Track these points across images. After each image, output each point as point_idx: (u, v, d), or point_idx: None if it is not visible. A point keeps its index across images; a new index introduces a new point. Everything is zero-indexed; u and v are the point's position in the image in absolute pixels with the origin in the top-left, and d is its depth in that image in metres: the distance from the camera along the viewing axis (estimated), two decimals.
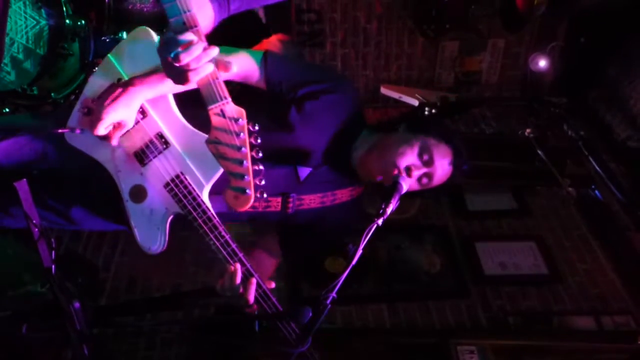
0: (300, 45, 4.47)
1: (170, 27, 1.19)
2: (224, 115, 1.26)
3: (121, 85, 1.49)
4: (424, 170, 1.71)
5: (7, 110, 2.63)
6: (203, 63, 1.20)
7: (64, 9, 2.56)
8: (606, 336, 3.09)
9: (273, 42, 3.36)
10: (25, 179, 1.34)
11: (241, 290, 1.62)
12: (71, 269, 3.02)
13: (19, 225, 1.80)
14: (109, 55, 1.61)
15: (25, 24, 2.47)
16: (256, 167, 1.30)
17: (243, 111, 1.27)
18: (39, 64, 2.54)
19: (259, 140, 1.29)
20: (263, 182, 1.32)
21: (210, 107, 1.27)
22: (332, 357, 2.78)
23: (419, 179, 1.72)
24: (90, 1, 2.82)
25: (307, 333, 1.43)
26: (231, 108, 1.26)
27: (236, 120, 1.26)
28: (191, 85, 1.27)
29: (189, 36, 1.18)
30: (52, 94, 2.68)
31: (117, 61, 1.58)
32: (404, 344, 3.02)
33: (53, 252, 1.32)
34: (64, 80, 2.73)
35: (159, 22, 2.75)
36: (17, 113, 2.66)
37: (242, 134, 1.27)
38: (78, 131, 1.55)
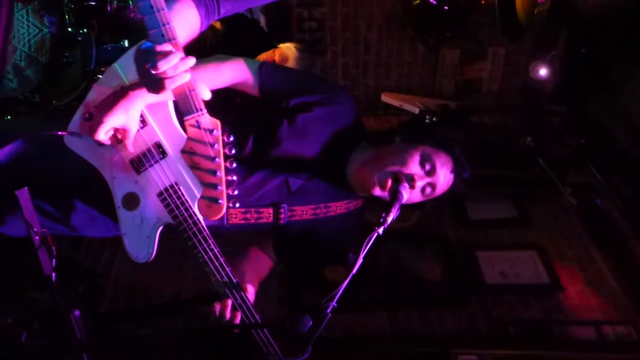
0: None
1: (149, 38, 1.23)
2: (199, 127, 1.31)
3: (121, 90, 1.50)
4: (428, 180, 1.69)
5: (9, 117, 2.65)
6: (180, 71, 1.23)
7: (67, 17, 2.58)
8: (607, 346, 3.07)
9: (287, 48, 3.37)
10: (26, 188, 1.34)
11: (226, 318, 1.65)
12: (71, 276, 3.02)
13: (12, 233, 1.79)
14: (115, 63, 1.61)
15: (28, 32, 2.49)
16: (229, 178, 1.35)
17: (218, 122, 1.32)
18: (41, 71, 2.56)
19: (233, 151, 1.34)
20: (236, 192, 1.37)
21: (186, 117, 1.31)
22: None
23: (423, 189, 1.70)
24: (93, 10, 2.83)
25: (307, 342, 1.43)
26: (206, 119, 1.31)
27: (211, 131, 1.31)
28: (167, 94, 1.29)
29: (166, 47, 1.22)
30: (54, 102, 2.69)
31: (123, 70, 1.57)
32: (404, 352, 3.01)
33: (53, 260, 1.32)
34: (66, 88, 2.74)
35: None
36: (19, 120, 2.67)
37: (216, 145, 1.32)
38: (77, 135, 1.55)
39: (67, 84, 2.73)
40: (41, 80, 2.57)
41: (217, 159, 1.31)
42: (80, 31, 2.67)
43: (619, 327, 3.15)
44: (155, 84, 1.26)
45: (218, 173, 1.31)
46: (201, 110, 1.29)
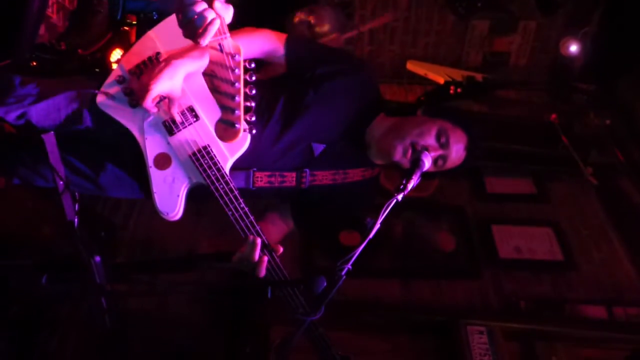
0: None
1: None
2: (221, 50, 1.30)
3: (164, 60, 1.56)
4: (440, 152, 1.77)
5: (35, 64, 2.66)
6: (209, 20, 1.22)
7: None
8: (618, 327, 3.07)
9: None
10: (52, 132, 1.36)
11: (255, 259, 1.67)
12: (91, 224, 3.06)
13: (50, 185, 1.84)
14: (149, 32, 1.67)
15: None
16: (247, 104, 1.37)
17: (240, 48, 1.32)
18: (69, 19, 2.56)
19: (253, 78, 1.35)
20: (253, 119, 1.38)
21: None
22: (342, 330, 2.82)
23: (435, 161, 1.77)
24: None
25: (320, 302, 1.45)
26: (229, 43, 1.30)
27: (233, 56, 1.31)
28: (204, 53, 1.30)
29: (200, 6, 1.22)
30: (79, 50, 2.70)
31: (157, 38, 1.64)
32: (414, 320, 3.04)
33: (77, 204, 1.34)
34: (92, 37, 2.75)
35: None
36: (44, 68, 2.69)
37: (237, 70, 1.32)
38: (107, 94, 1.60)
39: (93, 32, 2.73)
40: (68, 27, 2.58)
41: (236, 84, 1.32)
42: None
43: (630, 309, 3.15)
44: (193, 34, 1.26)
45: (237, 98, 1.33)
46: (225, 34, 1.28)
